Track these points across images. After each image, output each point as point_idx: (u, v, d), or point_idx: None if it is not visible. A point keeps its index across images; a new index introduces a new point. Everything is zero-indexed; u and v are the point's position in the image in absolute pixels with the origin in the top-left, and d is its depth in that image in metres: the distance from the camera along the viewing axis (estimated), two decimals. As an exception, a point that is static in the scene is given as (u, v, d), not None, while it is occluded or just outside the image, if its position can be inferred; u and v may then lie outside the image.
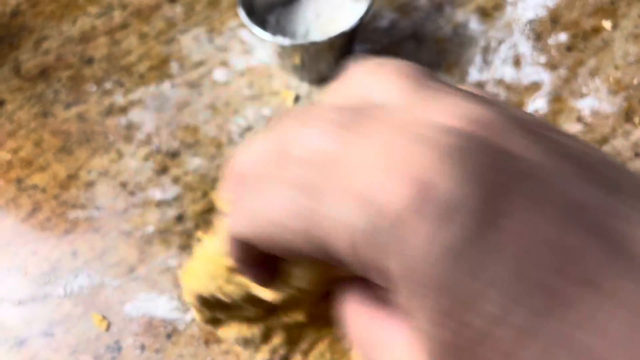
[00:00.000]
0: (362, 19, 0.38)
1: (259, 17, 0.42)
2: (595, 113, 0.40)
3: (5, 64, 0.47)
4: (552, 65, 0.42)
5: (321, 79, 0.43)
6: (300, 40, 0.38)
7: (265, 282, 0.17)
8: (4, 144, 0.44)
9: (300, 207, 0.12)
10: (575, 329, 0.10)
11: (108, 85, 0.45)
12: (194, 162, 0.41)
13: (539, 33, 0.44)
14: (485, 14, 0.45)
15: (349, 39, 0.39)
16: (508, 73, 0.42)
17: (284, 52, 0.40)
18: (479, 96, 0.13)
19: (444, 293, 0.11)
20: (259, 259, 0.16)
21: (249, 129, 0.42)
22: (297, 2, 0.43)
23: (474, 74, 0.42)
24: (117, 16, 0.49)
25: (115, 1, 0.49)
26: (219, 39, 0.47)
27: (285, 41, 0.37)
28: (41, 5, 0.50)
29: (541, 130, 0.13)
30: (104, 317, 0.36)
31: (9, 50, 0.48)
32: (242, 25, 0.47)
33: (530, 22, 0.44)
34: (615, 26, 0.43)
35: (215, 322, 0.22)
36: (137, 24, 0.48)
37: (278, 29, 0.42)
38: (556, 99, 0.41)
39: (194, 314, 0.32)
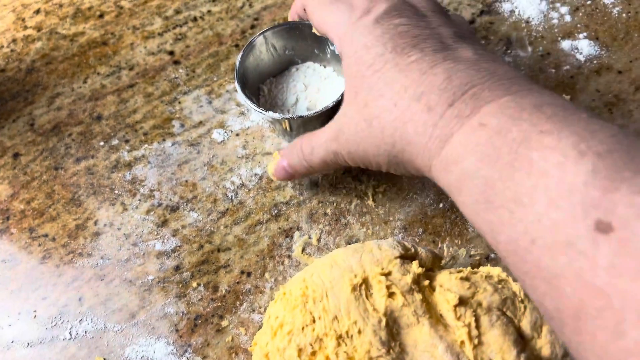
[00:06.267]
0: (342, 95, 0.42)
1: (253, 86, 0.47)
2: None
3: (20, 118, 0.52)
4: (515, 135, 0.47)
5: (308, 142, 0.48)
6: (288, 114, 0.42)
7: None
8: (18, 194, 0.48)
9: None
10: None
11: (114, 141, 0.50)
12: (191, 217, 0.46)
13: (504, 104, 0.49)
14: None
15: (333, 110, 0.44)
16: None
17: (274, 120, 0.44)
18: None
19: None
20: None
21: (241, 186, 0.47)
22: (288, 73, 0.48)
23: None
24: (125, 76, 0.54)
25: (123, 62, 0.54)
26: (217, 101, 0.52)
27: (276, 115, 0.41)
28: (54, 64, 0.55)
29: None
30: (106, 360, 0.40)
31: (24, 105, 0.53)
32: (239, 88, 0.52)
33: (498, 94, 0.49)
34: (572, 99, 0.48)
35: None
36: (143, 84, 0.53)
37: (270, 97, 0.47)
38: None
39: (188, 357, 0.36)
